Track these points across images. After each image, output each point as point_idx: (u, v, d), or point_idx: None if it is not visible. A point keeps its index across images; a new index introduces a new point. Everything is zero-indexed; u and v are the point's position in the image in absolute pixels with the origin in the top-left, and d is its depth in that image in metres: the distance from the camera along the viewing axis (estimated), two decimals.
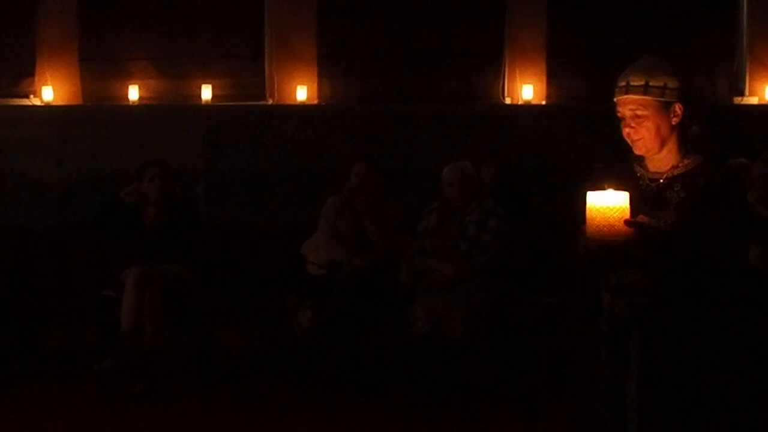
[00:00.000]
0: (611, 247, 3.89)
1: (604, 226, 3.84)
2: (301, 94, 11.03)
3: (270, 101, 11.16)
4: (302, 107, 11.03)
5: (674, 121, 4.12)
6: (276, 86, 11.13)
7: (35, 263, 9.33)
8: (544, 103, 11.13)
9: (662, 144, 4.14)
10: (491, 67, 11.24)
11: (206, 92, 11.06)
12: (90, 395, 7.59)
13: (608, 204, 3.84)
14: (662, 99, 4.10)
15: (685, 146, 4.16)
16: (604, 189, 3.86)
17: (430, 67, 11.23)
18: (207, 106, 11.03)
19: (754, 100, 11.33)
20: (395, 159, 10.58)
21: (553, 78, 11.16)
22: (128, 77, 11.13)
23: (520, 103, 11.12)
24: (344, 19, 11.19)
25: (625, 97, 4.11)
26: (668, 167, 4.15)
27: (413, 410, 7.27)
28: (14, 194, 10.72)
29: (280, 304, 8.50)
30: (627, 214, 3.84)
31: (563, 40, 11.10)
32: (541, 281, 8.42)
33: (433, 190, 8.37)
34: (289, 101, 11.10)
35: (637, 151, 4.16)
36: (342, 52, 11.20)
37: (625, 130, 4.14)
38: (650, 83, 4.10)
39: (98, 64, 11.09)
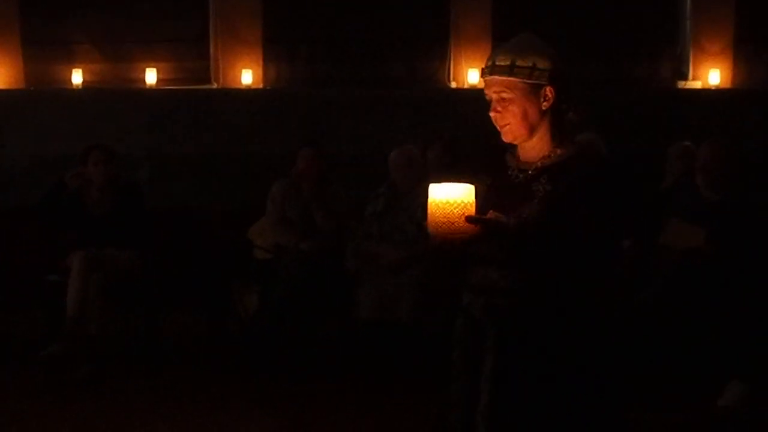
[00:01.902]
0: (453, 244, 3.51)
1: (443, 222, 3.46)
2: (247, 77, 10.99)
3: (215, 85, 11.11)
4: (247, 91, 10.99)
5: (544, 105, 3.70)
6: (221, 70, 11.08)
7: None
8: None
9: (531, 131, 3.72)
10: (437, 52, 11.26)
11: (150, 76, 10.99)
12: (35, 381, 7.53)
13: (448, 198, 3.46)
14: (530, 81, 3.68)
15: (559, 135, 3.75)
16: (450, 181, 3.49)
17: (376, 51, 11.23)
18: (151, 90, 10.96)
19: (697, 85, 11.42)
20: (341, 143, 10.56)
21: None
22: (72, 61, 11.03)
23: (465, 87, 11.14)
24: (290, 2, 11.16)
25: (490, 78, 3.71)
26: (539, 157, 3.74)
27: (361, 394, 7.27)
28: None
29: (226, 289, 8.48)
30: (470, 209, 3.46)
31: (508, 25, 11.12)
32: None
33: (379, 175, 8.37)
34: (234, 85, 11.05)
35: (504, 138, 3.76)
36: (287, 36, 11.17)
37: (491, 115, 3.74)
38: (517, 63, 3.68)
39: (41, 48, 10.98)
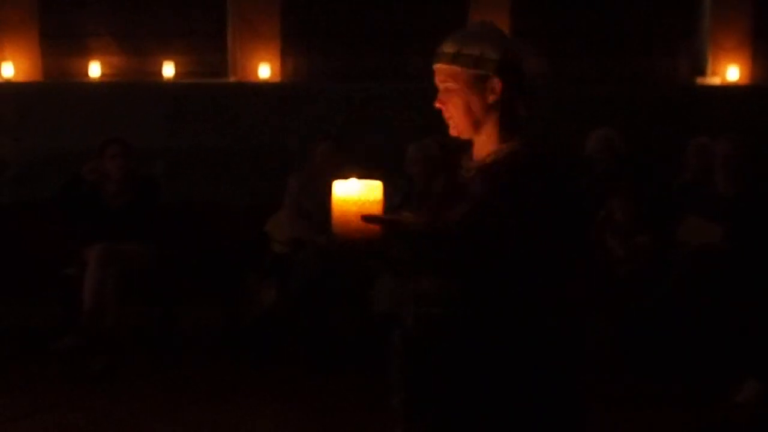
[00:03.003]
0: (355, 244, 3.26)
1: (342, 220, 3.23)
2: (264, 71, 10.97)
3: (232, 79, 11.10)
4: (265, 84, 10.98)
5: (490, 99, 3.37)
6: (238, 63, 11.07)
7: None
8: None
9: (476, 126, 3.41)
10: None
11: (168, 69, 10.99)
12: (50, 374, 7.55)
13: (348, 195, 3.23)
14: (474, 70, 3.36)
15: (509, 132, 3.40)
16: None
17: (394, 45, 11.21)
18: (169, 83, 10.96)
19: (715, 81, 11.37)
20: (359, 137, 10.54)
21: None
22: (89, 54, 11.04)
23: None
24: None
25: (436, 66, 3.43)
26: (485, 155, 3.41)
27: (377, 389, 7.26)
28: None
29: (242, 283, 8.48)
30: (372, 208, 3.20)
31: (526, 19, 11.10)
32: None
33: (397, 169, 8.36)
34: (251, 79, 11.04)
35: (450, 132, 3.46)
36: (305, 30, 11.16)
37: (436, 106, 3.46)
38: (463, 51, 3.38)
39: (59, 41, 11.00)
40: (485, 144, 3.41)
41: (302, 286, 7.82)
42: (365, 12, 11.19)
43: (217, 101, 10.84)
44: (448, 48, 3.40)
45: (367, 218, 3.18)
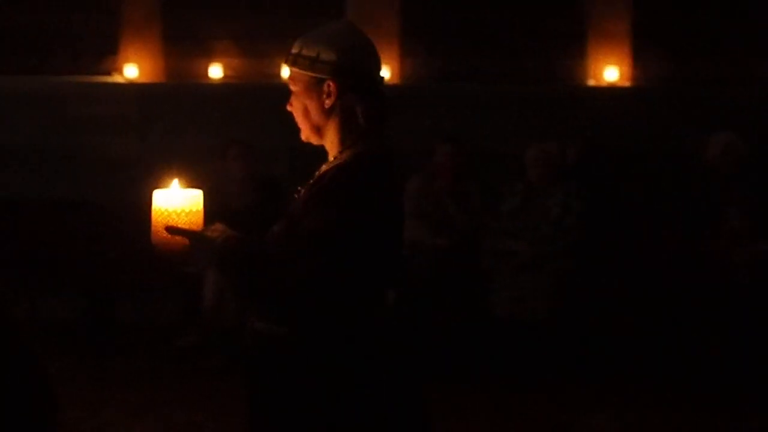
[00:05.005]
0: (170, 255, 3.19)
1: (154, 231, 3.18)
2: (383, 72, 10.97)
3: None
4: (384, 86, 10.97)
5: (327, 103, 3.21)
6: None
7: (114, 239, 9.40)
8: (629, 85, 10.99)
9: (317, 131, 3.27)
10: (574, 48, 11.13)
11: (288, 71, 11.04)
12: (168, 371, 7.63)
13: (164, 205, 3.17)
14: (309, 73, 3.22)
15: (349, 139, 3.23)
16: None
17: (514, 47, 11.14)
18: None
19: None
20: (478, 139, 10.49)
21: (638, 60, 11.02)
22: (211, 55, 11.16)
23: (603, 84, 11.00)
24: None
25: (284, 67, 3.34)
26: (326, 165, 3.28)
27: (494, 393, 7.22)
28: (96, 171, 10.79)
29: None
30: (191, 219, 3.15)
31: (650, 20, 10.96)
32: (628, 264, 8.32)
33: (516, 172, 8.31)
34: None
35: (301, 137, 3.35)
36: (425, 31, 11.14)
37: (288, 108, 3.35)
38: (302, 52, 3.23)
39: (181, 43, 11.13)
40: (330, 151, 3.27)
41: (419, 289, 7.80)
42: (485, 13, 11.14)
43: None
44: (293, 49, 3.28)
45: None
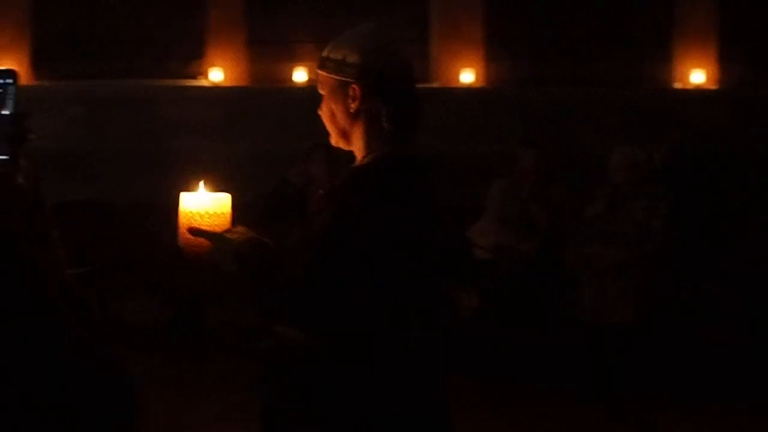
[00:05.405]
0: (197, 257, 3.16)
1: (180, 233, 3.17)
2: (467, 76, 10.98)
3: (435, 84, 11.13)
4: (467, 90, 10.98)
5: (352, 107, 3.12)
6: (441, 69, 11.10)
7: None
8: (715, 87, 10.90)
9: (343, 135, 3.18)
10: (660, 51, 11.05)
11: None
12: (252, 374, 7.66)
13: (191, 208, 3.17)
14: (335, 76, 3.15)
15: (374, 144, 3.14)
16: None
17: (599, 50, 11.09)
18: None
19: None
20: (562, 143, 10.46)
21: (724, 62, 10.92)
22: (295, 59, 11.23)
23: (689, 88, 10.91)
24: (512, 1, 11.12)
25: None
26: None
27: (580, 400, 7.19)
28: (181, 174, 10.88)
29: (443, 288, 8.47)
30: (218, 221, 3.13)
31: (737, 22, 10.85)
32: (717, 269, 8.23)
33: (599, 175, 8.27)
34: (453, 84, 11.06)
35: (331, 142, 3.28)
36: (509, 35, 11.12)
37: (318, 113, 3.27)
38: (330, 55, 3.17)
39: (266, 47, 11.22)
40: (357, 156, 3.18)
41: (504, 293, 7.79)
42: (569, 17, 11.10)
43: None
44: (323, 52, 3.22)
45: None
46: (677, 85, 11.02)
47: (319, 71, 3.21)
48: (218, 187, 3.25)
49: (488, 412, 6.89)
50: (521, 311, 7.78)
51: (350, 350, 3.02)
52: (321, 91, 3.20)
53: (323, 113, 3.20)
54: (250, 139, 10.82)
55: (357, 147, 3.17)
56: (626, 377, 7.37)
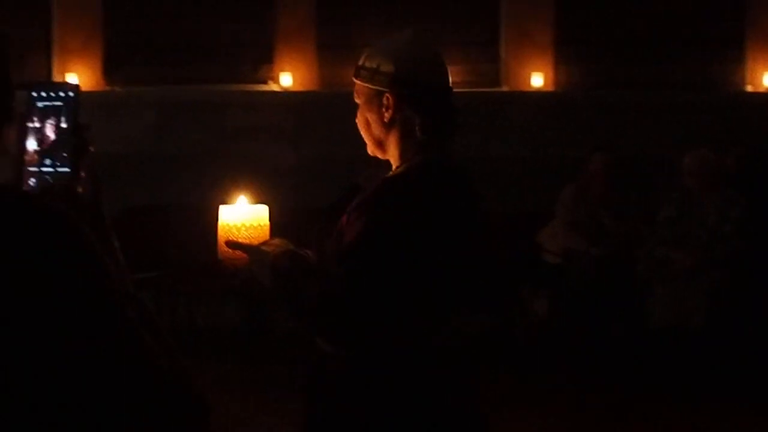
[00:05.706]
0: (235, 270, 3.13)
1: (219, 245, 3.15)
2: (537, 80, 10.94)
3: (505, 88, 11.10)
4: (537, 94, 10.94)
5: (386, 116, 3.09)
6: (511, 72, 11.07)
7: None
8: None
9: (379, 145, 3.15)
10: (732, 54, 10.94)
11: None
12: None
13: (229, 220, 3.16)
14: (370, 85, 3.13)
15: (409, 154, 3.10)
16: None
17: (668, 53, 11.01)
18: None
19: None
20: (633, 147, 10.39)
21: None
22: None
23: (762, 91, 10.79)
24: (582, 4, 11.06)
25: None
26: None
27: (652, 405, 7.14)
28: (251, 178, 10.93)
29: (515, 293, 8.46)
30: (257, 233, 3.11)
31: None
32: None
33: (669, 179, 8.22)
34: (523, 88, 11.02)
35: (368, 152, 3.24)
36: (580, 39, 11.07)
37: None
38: (365, 64, 3.15)
39: (336, 52, 11.23)
40: (393, 166, 3.15)
41: (575, 298, 7.76)
42: (638, 20, 11.03)
43: (489, 111, 10.85)
44: (359, 60, 3.20)
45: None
46: (749, 88, 10.90)
47: (355, 80, 3.19)
48: (259, 198, 3.25)
49: (559, 417, 6.85)
50: (592, 316, 7.73)
51: (387, 361, 2.99)
52: (357, 100, 3.19)
53: (359, 122, 3.19)
54: (320, 144, 10.85)
55: (392, 156, 3.15)
56: (698, 381, 7.31)
